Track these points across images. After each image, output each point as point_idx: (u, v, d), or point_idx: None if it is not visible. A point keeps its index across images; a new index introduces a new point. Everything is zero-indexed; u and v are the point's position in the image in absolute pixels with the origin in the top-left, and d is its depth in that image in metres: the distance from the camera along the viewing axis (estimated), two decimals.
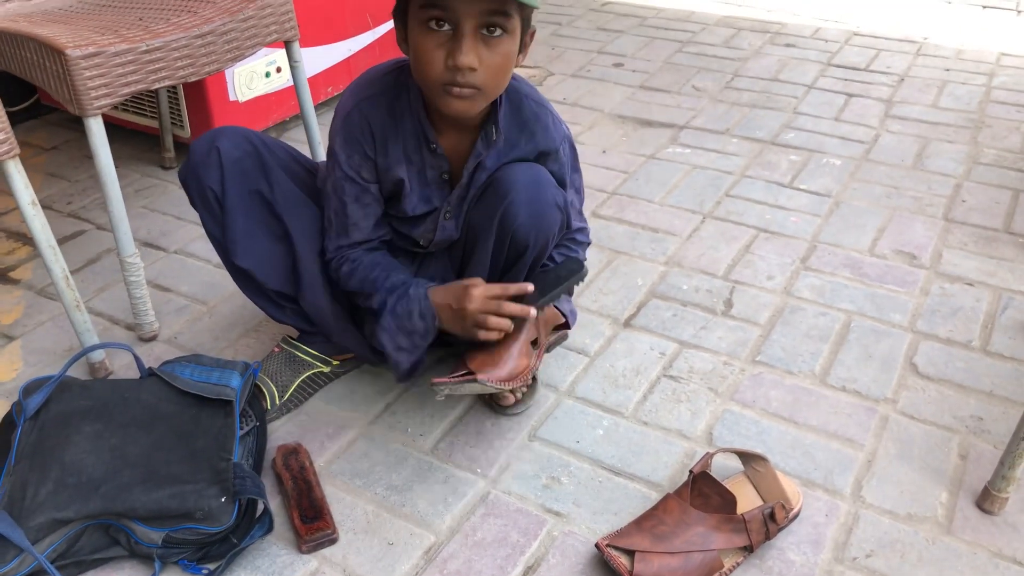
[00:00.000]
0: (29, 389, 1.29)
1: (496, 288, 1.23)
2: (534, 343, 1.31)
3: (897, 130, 2.41)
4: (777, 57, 2.95)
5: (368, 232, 1.32)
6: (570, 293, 1.46)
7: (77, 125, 2.42)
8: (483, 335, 1.23)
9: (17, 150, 1.30)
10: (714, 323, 1.64)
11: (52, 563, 1.13)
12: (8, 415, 1.30)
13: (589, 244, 1.45)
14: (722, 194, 2.09)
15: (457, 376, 1.21)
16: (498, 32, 1.09)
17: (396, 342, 1.27)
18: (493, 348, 1.25)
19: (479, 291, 1.22)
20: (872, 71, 2.82)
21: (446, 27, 1.08)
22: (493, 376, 1.21)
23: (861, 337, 1.59)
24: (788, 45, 3.06)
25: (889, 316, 1.65)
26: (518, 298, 1.24)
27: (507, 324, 1.23)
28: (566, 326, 1.44)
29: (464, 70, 1.09)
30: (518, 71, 2.76)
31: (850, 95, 2.64)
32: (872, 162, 2.23)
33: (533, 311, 1.24)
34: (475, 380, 1.20)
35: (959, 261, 1.81)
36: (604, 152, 2.30)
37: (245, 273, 1.34)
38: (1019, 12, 3.39)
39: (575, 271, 1.32)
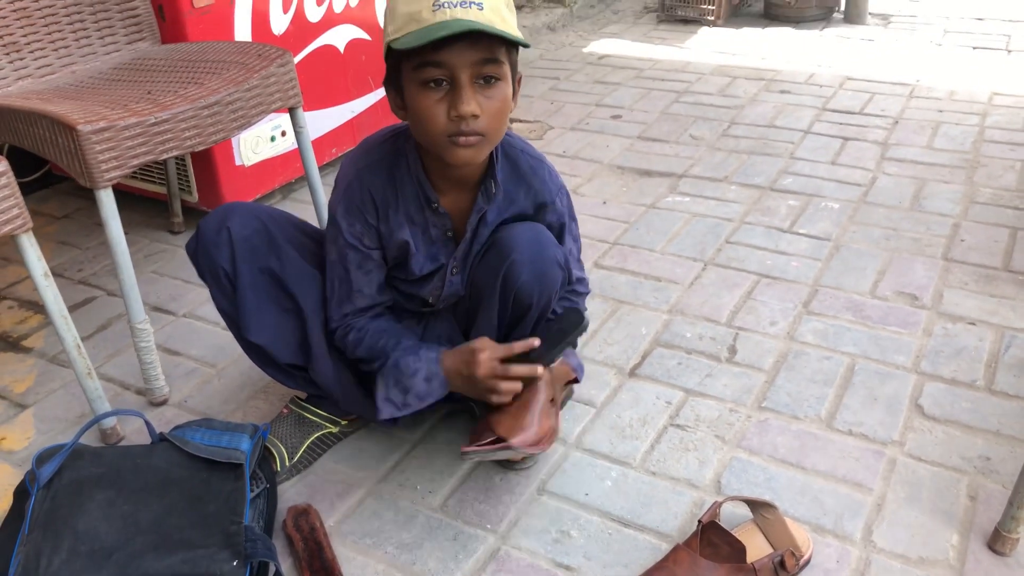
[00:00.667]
0: (42, 458, 1.30)
1: (502, 349, 1.26)
2: (551, 401, 1.33)
3: (894, 172, 2.44)
4: (772, 104, 3.00)
5: (372, 298, 1.35)
6: (574, 345, 1.47)
7: (87, 193, 2.46)
8: (495, 399, 1.26)
9: (30, 224, 1.34)
10: (719, 370, 1.65)
11: None
12: (22, 484, 1.32)
13: (588, 293, 1.48)
14: (722, 241, 2.11)
15: (487, 444, 1.23)
16: (493, 79, 1.14)
17: (388, 393, 1.30)
18: (516, 411, 1.27)
19: (486, 355, 1.25)
20: (867, 114, 2.87)
21: (444, 83, 1.13)
22: (525, 441, 1.23)
23: (866, 380, 1.60)
24: (783, 92, 3.12)
25: (893, 358, 1.66)
26: (524, 355, 1.26)
27: (517, 386, 1.26)
28: (575, 380, 1.45)
29: (468, 118, 1.13)
30: (515, 127, 2.80)
31: (846, 139, 2.68)
32: (870, 204, 2.26)
33: (540, 369, 1.26)
34: (508, 447, 1.22)
35: (960, 300, 1.83)
36: (605, 203, 2.34)
37: (258, 348, 1.37)
38: (1009, 52, 3.45)
39: (576, 323, 1.33)
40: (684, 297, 1.89)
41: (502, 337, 1.32)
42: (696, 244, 2.10)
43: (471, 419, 1.49)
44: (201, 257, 1.34)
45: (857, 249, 2.05)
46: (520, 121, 2.93)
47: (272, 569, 1.21)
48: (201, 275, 1.36)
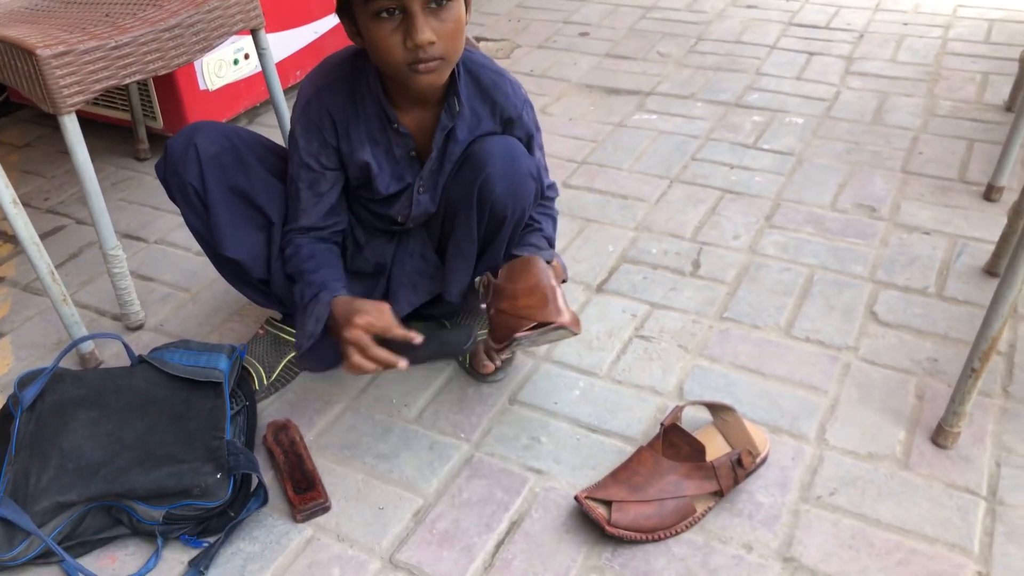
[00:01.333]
0: (24, 382, 1.33)
1: (383, 322, 1.21)
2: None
3: (857, 86, 2.47)
4: (739, 19, 3.00)
5: (316, 219, 1.35)
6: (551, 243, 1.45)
7: (49, 121, 2.43)
8: (344, 366, 1.22)
9: None
10: (683, 284, 1.70)
11: (59, 544, 1.19)
12: (4, 408, 1.35)
13: (558, 196, 1.50)
14: (688, 158, 2.14)
15: (534, 329, 1.23)
16: (443, 1, 1.14)
17: (304, 328, 1.30)
18: (543, 298, 1.25)
19: (363, 321, 1.20)
20: (832, 28, 2.87)
21: (396, 12, 1.13)
22: (569, 321, 1.23)
23: (824, 290, 1.66)
24: (750, 7, 3.11)
25: (850, 268, 1.72)
26: (399, 343, 1.22)
27: (369, 367, 1.20)
28: (564, 281, 1.47)
29: (424, 46, 1.13)
30: (482, 45, 2.78)
31: (811, 53, 2.69)
32: (833, 119, 2.29)
33: (403, 363, 1.20)
34: (562, 326, 1.22)
35: (916, 211, 1.88)
36: (572, 121, 2.35)
37: (232, 264, 1.38)
38: None
39: (461, 344, 1.30)
40: (650, 214, 1.93)
41: (479, 249, 1.35)
42: (662, 162, 2.13)
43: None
44: (170, 176, 1.34)
45: (819, 163, 2.09)
46: (486, 40, 2.90)
47: (255, 481, 1.26)
48: (171, 195, 1.36)
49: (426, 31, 1.13)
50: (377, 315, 1.22)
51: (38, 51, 1.38)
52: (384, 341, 1.22)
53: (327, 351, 1.29)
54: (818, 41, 2.78)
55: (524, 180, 1.30)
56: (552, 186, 1.47)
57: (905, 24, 2.87)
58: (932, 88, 2.42)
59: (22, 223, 1.39)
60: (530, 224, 1.41)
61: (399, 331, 1.22)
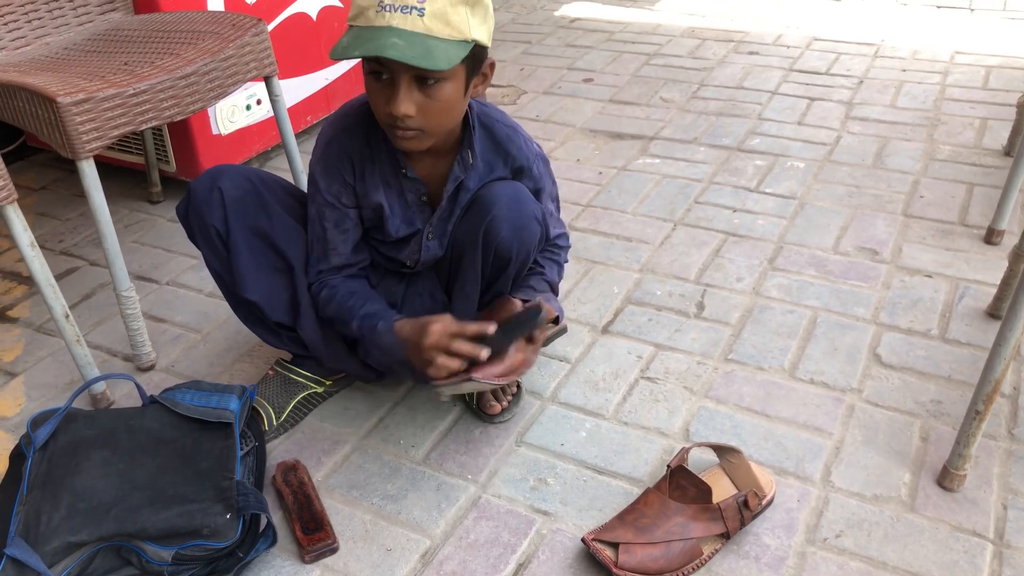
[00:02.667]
0: (37, 422, 1.35)
1: (455, 326, 1.24)
2: (530, 340, 1.34)
3: (858, 131, 2.51)
4: (741, 65, 3.05)
5: (347, 257, 1.40)
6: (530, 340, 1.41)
7: (64, 164, 2.48)
8: (431, 371, 1.24)
9: (15, 195, 1.37)
10: (688, 325, 1.72)
11: None
12: (17, 448, 1.36)
13: (570, 247, 1.53)
14: (691, 201, 2.17)
15: (453, 378, 1.25)
16: (431, 81, 1.16)
17: (381, 363, 1.37)
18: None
19: (438, 327, 1.24)
20: (832, 74, 2.92)
21: (385, 76, 1.16)
22: (488, 374, 1.25)
23: (827, 331, 1.68)
24: (751, 53, 3.17)
25: (853, 310, 1.73)
26: (477, 337, 1.25)
27: (456, 364, 1.23)
28: (557, 320, 1.47)
29: (401, 118, 1.17)
30: (489, 92, 2.83)
31: (812, 99, 2.74)
32: (834, 163, 2.33)
33: (484, 352, 1.23)
34: (470, 379, 1.24)
35: (918, 254, 1.90)
36: (578, 162, 2.39)
37: (250, 306, 1.41)
38: (972, 11, 3.51)
39: (534, 317, 1.31)
40: (654, 256, 1.95)
41: (483, 292, 1.38)
42: (666, 205, 2.16)
43: None
44: (193, 218, 1.37)
45: (821, 207, 2.12)
46: (493, 86, 2.96)
47: (264, 521, 1.26)
48: (191, 237, 1.39)
49: (405, 103, 1.15)
50: (447, 320, 1.25)
51: (59, 99, 1.42)
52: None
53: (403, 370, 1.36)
54: (818, 87, 2.83)
55: (529, 223, 1.33)
56: (563, 235, 1.50)
57: (904, 71, 2.92)
58: (931, 133, 2.46)
59: (38, 265, 1.42)
60: (534, 268, 1.43)
61: (472, 327, 1.24)
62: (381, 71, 1.16)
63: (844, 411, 1.48)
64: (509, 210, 1.31)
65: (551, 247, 1.48)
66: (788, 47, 3.20)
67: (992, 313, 1.69)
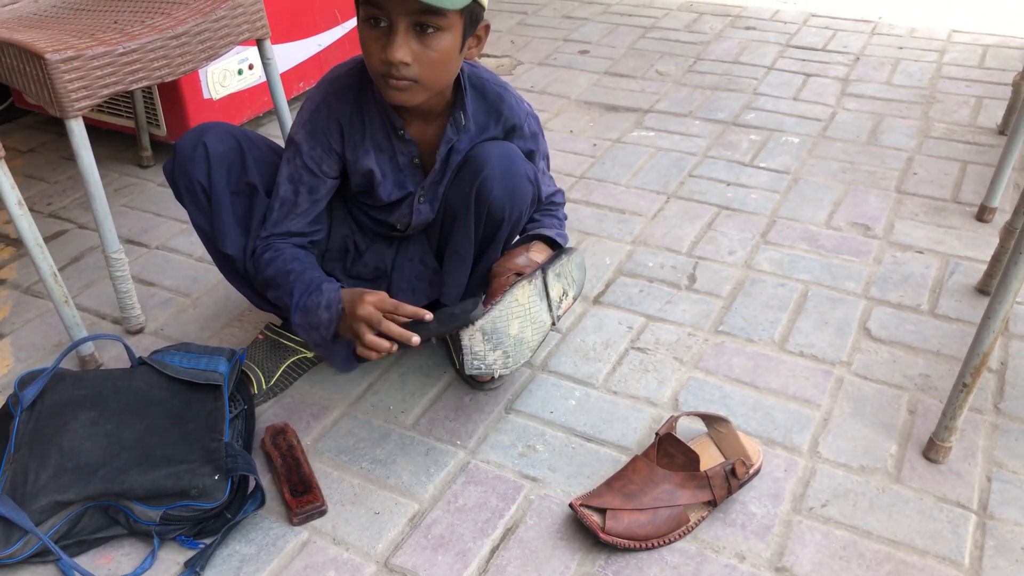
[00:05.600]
0: (24, 381, 1.34)
1: (391, 303, 1.21)
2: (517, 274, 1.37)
3: (853, 107, 2.50)
4: (738, 40, 3.03)
5: (304, 225, 1.36)
6: (455, 337, 1.44)
7: (53, 127, 2.45)
8: (360, 350, 1.22)
9: (2, 153, 1.35)
10: (679, 297, 1.72)
11: (55, 543, 1.19)
12: (4, 407, 1.36)
13: (565, 203, 1.52)
14: (685, 175, 2.17)
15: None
16: (431, 29, 1.14)
17: (310, 336, 1.30)
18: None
19: (373, 300, 1.21)
20: (829, 51, 2.91)
21: (383, 23, 1.15)
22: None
23: (818, 305, 1.68)
24: (748, 28, 3.15)
25: (844, 284, 1.74)
26: (412, 323, 1.22)
27: (384, 345, 1.20)
28: (554, 244, 1.46)
29: (396, 64, 1.15)
30: (484, 61, 2.81)
31: (808, 75, 2.73)
32: (829, 139, 2.32)
33: (415, 338, 1.19)
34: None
35: (910, 231, 1.91)
36: (572, 134, 2.37)
37: (232, 261, 1.40)
38: None
39: (466, 316, 1.25)
40: (647, 229, 1.95)
41: (477, 256, 1.37)
42: (660, 177, 2.15)
43: (437, 352, 1.56)
44: (178, 174, 1.35)
45: (814, 182, 2.11)
46: (489, 56, 2.93)
47: (252, 483, 1.26)
48: (177, 195, 1.37)
49: (401, 50, 1.13)
50: (383, 296, 1.22)
51: (47, 55, 1.40)
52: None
53: (341, 349, 1.31)
54: (815, 63, 2.81)
55: (521, 182, 1.32)
56: (558, 192, 1.49)
57: (900, 48, 2.91)
58: (927, 111, 2.46)
59: (26, 224, 1.40)
60: (533, 220, 1.44)
61: (409, 308, 1.21)
62: (379, 16, 1.14)
63: (833, 383, 1.49)
64: (501, 169, 1.30)
65: (548, 205, 1.47)
66: (785, 23, 3.18)
67: (982, 289, 1.70)
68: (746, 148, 2.29)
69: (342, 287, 1.28)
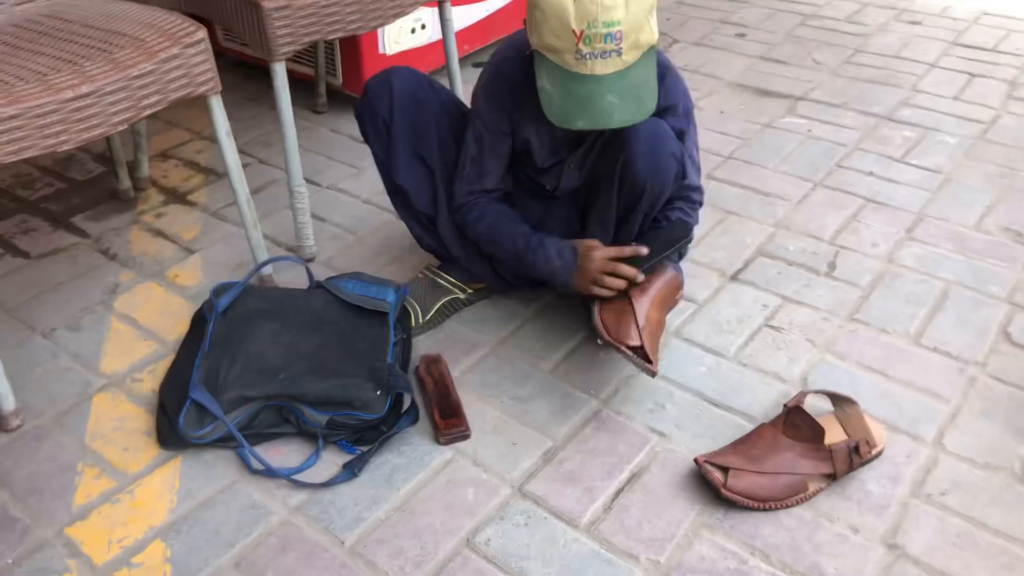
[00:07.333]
0: (219, 291, 1.53)
1: (612, 250, 1.42)
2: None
3: (1019, 112, 2.43)
4: (901, 34, 2.97)
5: (497, 181, 1.51)
6: (681, 256, 1.59)
7: (238, 69, 2.67)
8: (600, 292, 1.43)
9: (219, 86, 1.53)
10: (817, 282, 1.76)
11: (239, 431, 1.37)
12: (199, 312, 1.55)
13: (702, 204, 1.59)
14: (834, 164, 2.18)
15: (626, 348, 1.37)
16: None
17: (540, 272, 1.49)
18: (620, 317, 1.41)
19: (599, 253, 1.42)
20: (999, 51, 2.82)
21: None
22: (648, 367, 1.37)
23: (958, 304, 1.69)
24: (913, 23, 3.07)
25: (988, 288, 1.73)
26: (630, 259, 1.42)
27: (621, 284, 1.41)
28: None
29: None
30: None
31: (973, 75, 2.66)
32: (988, 142, 2.27)
33: (640, 276, 1.41)
34: (631, 354, 1.37)
35: None
36: (722, 115, 2.42)
37: (401, 193, 1.56)
38: None
39: (683, 234, 1.45)
40: (791, 213, 1.98)
41: (618, 222, 1.47)
42: (808, 165, 2.18)
43: (579, 304, 1.66)
44: (365, 111, 1.54)
45: (968, 184, 2.09)
46: None
47: (407, 402, 1.41)
48: (363, 130, 1.56)
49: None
50: (600, 246, 1.43)
51: (264, 3, 1.56)
52: None
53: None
54: (981, 63, 2.73)
55: (666, 158, 1.40)
56: (699, 190, 1.55)
57: None
58: None
59: (231, 151, 1.58)
60: (659, 223, 1.51)
61: (628, 249, 1.42)
62: None
63: (965, 381, 1.51)
64: (647, 144, 1.38)
65: (683, 200, 1.52)
66: (955, 19, 3.09)
67: None
68: (899, 144, 2.27)
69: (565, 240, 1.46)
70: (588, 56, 1.22)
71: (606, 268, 1.41)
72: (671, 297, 1.50)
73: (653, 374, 1.37)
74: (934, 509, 1.28)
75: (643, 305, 1.42)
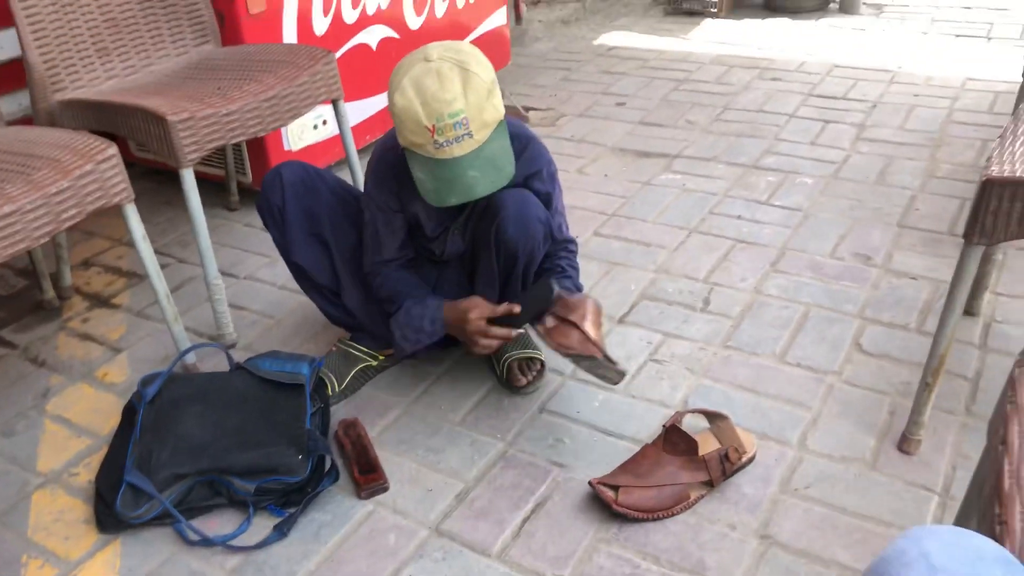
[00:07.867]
0: (146, 381, 1.65)
1: (487, 311, 1.59)
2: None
3: (866, 151, 2.73)
4: (764, 90, 3.29)
5: (394, 252, 1.69)
6: (579, 289, 1.74)
7: (152, 177, 2.81)
8: (477, 351, 1.61)
9: (132, 195, 1.68)
10: (694, 317, 1.96)
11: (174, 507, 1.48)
12: (129, 403, 1.67)
13: (577, 251, 1.77)
14: (707, 212, 2.42)
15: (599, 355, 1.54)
16: None
17: (403, 333, 1.65)
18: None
19: (475, 314, 1.58)
20: (848, 99, 3.15)
21: None
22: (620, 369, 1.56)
23: (817, 324, 1.91)
24: (774, 79, 3.40)
25: (843, 307, 1.96)
26: (505, 317, 1.58)
27: (495, 344, 1.60)
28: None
29: None
30: (531, 115, 3.11)
31: (827, 121, 2.97)
32: (840, 179, 2.55)
33: (514, 332, 1.60)
34: (592, 357, 1.54)
35: (907, 260, 2.12)
36: (606, 177, 2.65)
37: (300, 268, 1.74)
38: (989, 39, 3.70)
39: (547, 296, 1.57)
40: (669, 259, 2.20)
41: (501, 282, 1.65)
42: (683, 215, 2.41)
43: (481, 361, 1.83)
44: (262, 201, 1.71)
45: (824, 218, 2.35)
46: (535, 109, 3.24)
47: (328, 462, 1.54)
48: (264, 220, 1.73)
49: None
50: (480, 305, 1.59)
51: (168, 117, 1.73)
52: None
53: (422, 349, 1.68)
54: (834, 110, 3.05)
55: (533, 223, 1.59)
56: (573, 241, 1.74)
57: (916, 95, 3.13)
58: (934, 153, 2.67)
59: (149, 254, 1.73)
60: (564, 271, 1.69)
61: (501, 309, 1.58)
62: None
63: (824, 389, 1.71)
64: (515, 212, 1.57)
65: (563, 250, 1.71)
66: (809, 73, 3.43)
67: (967, 311, 1.90)
68: (763, 188, 2.53)
69: (444, 302, 1.64)
70: (445, 143, 1.42)
71: (481, 329, 1.58)
72: (599, 317, 1.66)
73: (623, 374, 1.55)
74: (800, 501, 1.46)
75: (587, 323, 1.57)
